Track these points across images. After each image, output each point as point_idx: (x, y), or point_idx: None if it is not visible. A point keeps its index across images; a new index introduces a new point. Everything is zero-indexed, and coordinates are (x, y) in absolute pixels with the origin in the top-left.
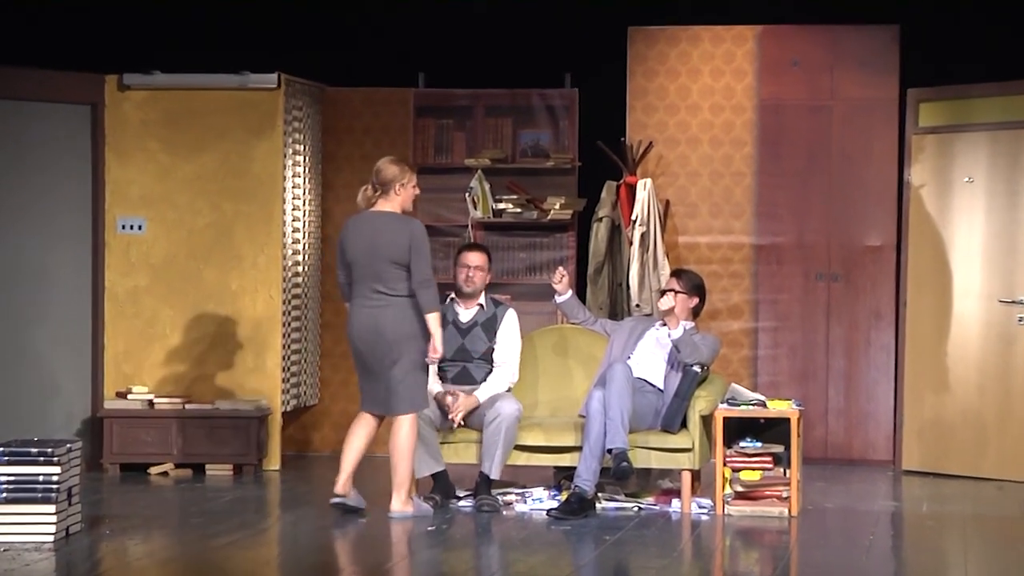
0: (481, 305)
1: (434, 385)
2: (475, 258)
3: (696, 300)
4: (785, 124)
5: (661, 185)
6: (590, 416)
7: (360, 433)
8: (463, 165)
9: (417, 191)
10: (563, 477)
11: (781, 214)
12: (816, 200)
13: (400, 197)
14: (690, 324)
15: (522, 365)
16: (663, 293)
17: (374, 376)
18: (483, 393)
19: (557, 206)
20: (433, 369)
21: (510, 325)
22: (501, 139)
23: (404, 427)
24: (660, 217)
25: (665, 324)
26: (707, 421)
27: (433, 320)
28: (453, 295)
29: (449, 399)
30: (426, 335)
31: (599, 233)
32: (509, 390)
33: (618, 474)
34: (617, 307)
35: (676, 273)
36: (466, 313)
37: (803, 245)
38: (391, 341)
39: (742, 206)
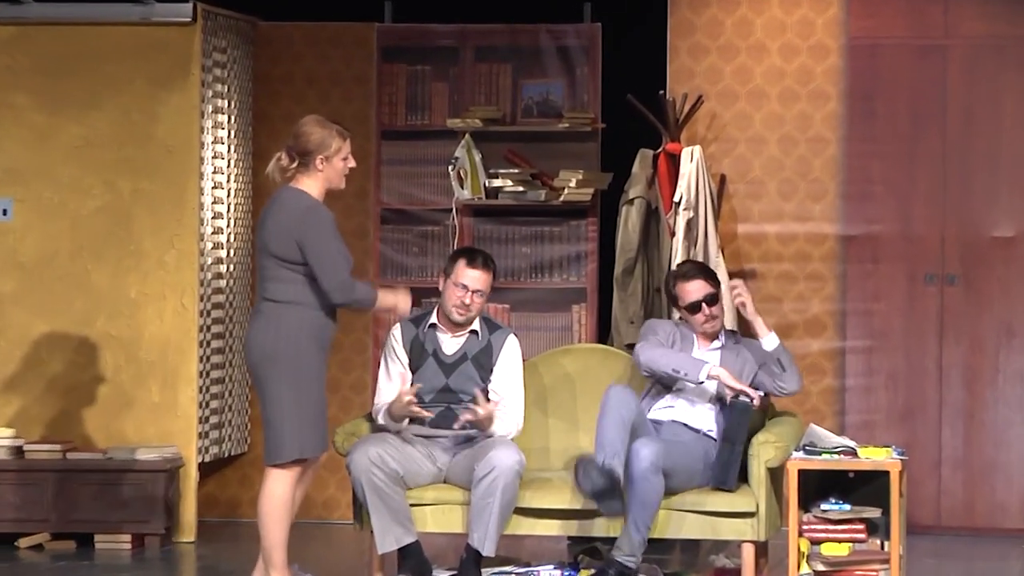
0: (474, 332)
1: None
2: (479, 279)
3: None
4: (883, 71)
5: (714, 155)
6: (637, 476)
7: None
8: (445, 128)
9: (350, 165)
10: (580, 552)
11: (878, 194)
12: (925, 175)
13: (324, 173)
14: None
15: (525, 400)
16: (697, 308)
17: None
18: (496, 425)
19: (573, 183)
20: (391, 386)
21: (511, 357)
22: (497, 92)
23: (267, 484)
24: (713, 198)
25: (723, 340)
26: (776, 475)
27: (381, 302)
28: (434, 319)
29: (408, 395)
30: (301, 355)
31: (630, 220)
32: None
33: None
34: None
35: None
36: (452, 343)
37: (908, 236)
38: (252, 363)
39: (824, 183)
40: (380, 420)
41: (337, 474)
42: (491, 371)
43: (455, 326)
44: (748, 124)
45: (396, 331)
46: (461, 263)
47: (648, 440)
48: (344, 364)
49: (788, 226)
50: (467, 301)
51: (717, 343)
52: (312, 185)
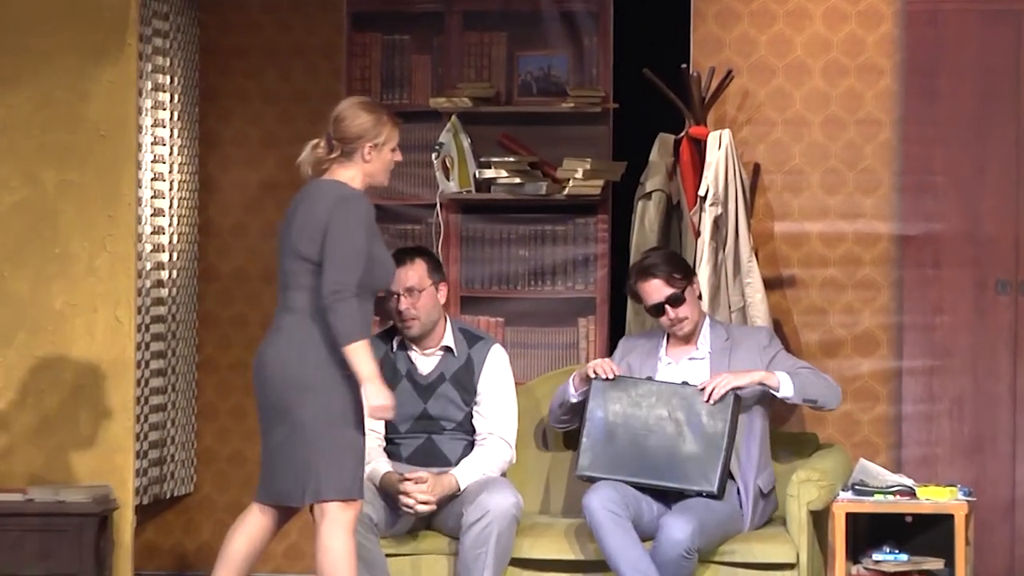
0: (447, 348)
1: (379, 464)
2: (405, 275)
3: (696, 281)
4: (946, 41)
5: (747, 140)
6: (670, 560)
7: (240, 538)
8: (428, 108)
9: (397, 158)
10: None
11: (940, 186)
12: (996, 163)
13: (370, 165)
14: (709, 321)
15: (521, 433)
16: (660, 311)
17: (264, 443)
18: (462, 477)
19: (579, 174)
20: (373, 440)
21: (496, 371)
22: (490, 66)
23: (321, 538)
24: (745, 192)
25: (708, 343)
26: (820, 520)
27: (356, 355)
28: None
29: (409, 484)
30: (337, 380)
31: (647, 217)
32: (504, 475)
33: None
34: None
35: (636, 278)
36: (426, 362)
37: (976, 236)
38: (272, 390)
39: (877, 174)
40: None
41: (299, 520)
42: (475, 392)
43: (420, 342)
44: (787, 104)
45: None
46: None
47: (682, 518)
48: (222, 386)
49: (834, 224)
50: (406, 308)
51: (699, 352)
52: (352, 177)
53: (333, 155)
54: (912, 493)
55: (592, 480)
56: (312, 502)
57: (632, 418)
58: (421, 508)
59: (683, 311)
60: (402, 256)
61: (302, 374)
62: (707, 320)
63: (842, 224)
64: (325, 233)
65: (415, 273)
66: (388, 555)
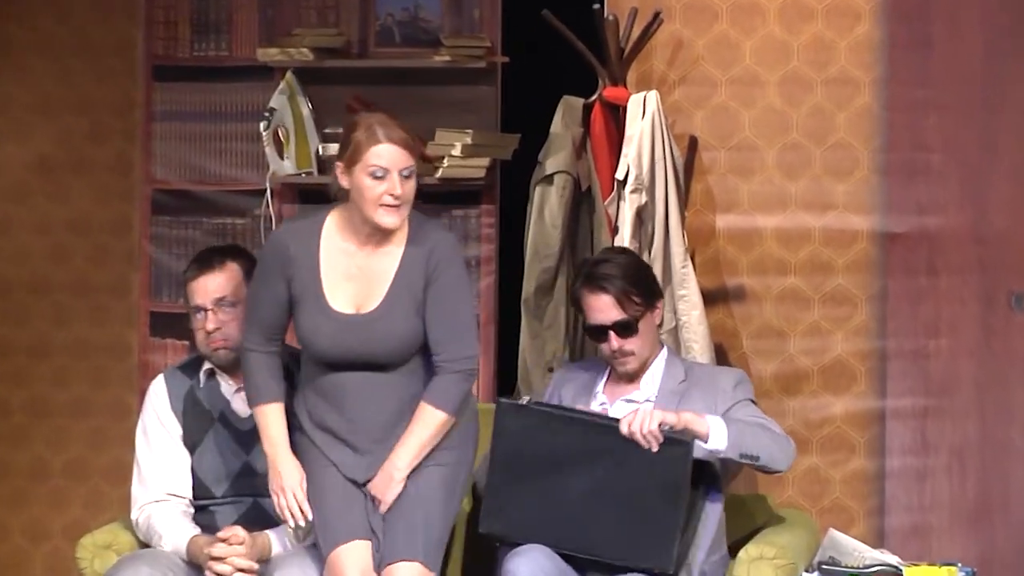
0: None
1: (182, 529)
2: (215, 284)
3: (660, 307)
4: None
5: (680, 106)
6: None
7: None
8: (255, 62)
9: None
10: None
11: (935, 167)
12: (1009, 139)
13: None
14: (666, 354)
15: None
16: (602, 335)
17: None
18: (276, 539)
19: (456, 150)
20: (175, 507)
21: None
22: (337, 7)
23: None
24: (678, 174)
25: (657, 385)
26: None
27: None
28: (210, 364)
29: (221, 546)
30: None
31: (548, 207)
32: None
33: None
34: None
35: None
36: (242, 402)
37: (982, 234)
38: None
39: (853, 150)
40: (143, 527)
41: None
42: None
43: (234, 371)
44: (734, 57)
45: (157, 386)
46: (187, 278)
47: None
48: (93, 437)
49: (796, 218)
50: (210, 327)
51: (640, 394)
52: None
53: None
54: (898, 575)
55: (503, 541)
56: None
57: (548, 461)
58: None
59: (631, 344)
60: (209, 259)
61: None
62: (664, 354)
63: (806, 218)
64: None
65: (227, 280)
66: None
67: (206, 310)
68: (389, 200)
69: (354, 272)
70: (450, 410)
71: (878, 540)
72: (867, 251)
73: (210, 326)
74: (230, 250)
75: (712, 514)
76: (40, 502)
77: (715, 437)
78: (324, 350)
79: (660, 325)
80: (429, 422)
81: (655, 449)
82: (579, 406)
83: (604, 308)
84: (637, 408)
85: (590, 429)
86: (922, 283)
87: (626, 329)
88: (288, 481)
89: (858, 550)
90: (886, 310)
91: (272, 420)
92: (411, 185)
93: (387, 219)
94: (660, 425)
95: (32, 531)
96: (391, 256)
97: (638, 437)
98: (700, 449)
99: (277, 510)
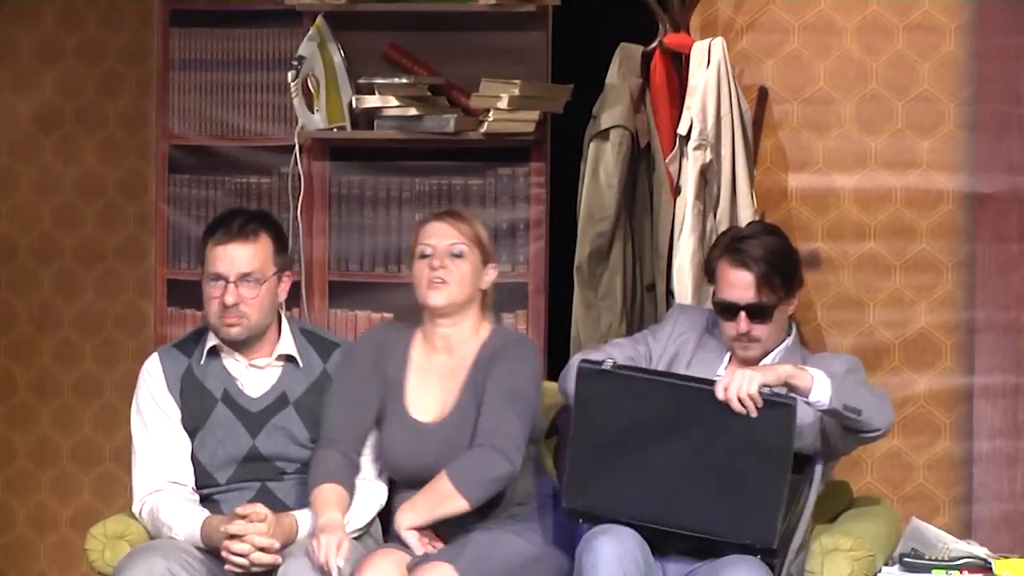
0: (287, 358)
1: (193, 514)
2: (245, 256)
3: (797, 297)
4: None
5: (749, 54)
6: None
7: None
8: (281, 6)
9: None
10: None
11: None
12: None
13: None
14: (790, 342)
15: None
16: (731, 314)
17: None
18: (304, 522)
19: (503, 103)
20: (180, 495)
21: None
22: None
23: None
24: (746, 130)
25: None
26: None
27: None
28: (214, 339)
29: (240, 523)
30: None
31: (604, 165)
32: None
33: None
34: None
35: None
36: (255, 379)
37: None
38: None
39: (938, 104)
40: (147, 521)
41: None
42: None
43: (244, 348)
44: (807, 1)
45: (152, 364)
46: (211, 241)
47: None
48: (102, 417)
49: (876, 177)
50: (229, 301)
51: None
52: None
53: None
54: (987, 569)
55: (587, 519)
56: None
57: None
58: (260, 557)
59: (759, 330)
60: (242, 226)
61: None
62: (788, 343)
63: (887, 177)
64: None
65: (258, 254)
66: None
67: (228, 281)
68: (434, 276)
69: (432, 380)
70: (465, 493)
71: (965, 530)
72: (953, 213)
73: (229, 299)
74: (263, 218)
75: (808, 509)
76: (46, 488)
77: (818, 388)
78: (400, 463)
79: (791, 318)
80: (439, 490)
81: (754, 414)
82: (700, 374)
83: (742, 286)
84: (733, 370)
85: (681, 394)
86: (1013, 249)
87: (759, 314)
88: (333, 536)
89: (943, 541)
90: (974, 278)
91: (329, 494)
92: (463, 265)
93: (433, 297)
94: (760, 387)
95: (38, 519)
96: (463, 361)
97: (734, 403)
98: (803, 411)
99: (309, 549)
